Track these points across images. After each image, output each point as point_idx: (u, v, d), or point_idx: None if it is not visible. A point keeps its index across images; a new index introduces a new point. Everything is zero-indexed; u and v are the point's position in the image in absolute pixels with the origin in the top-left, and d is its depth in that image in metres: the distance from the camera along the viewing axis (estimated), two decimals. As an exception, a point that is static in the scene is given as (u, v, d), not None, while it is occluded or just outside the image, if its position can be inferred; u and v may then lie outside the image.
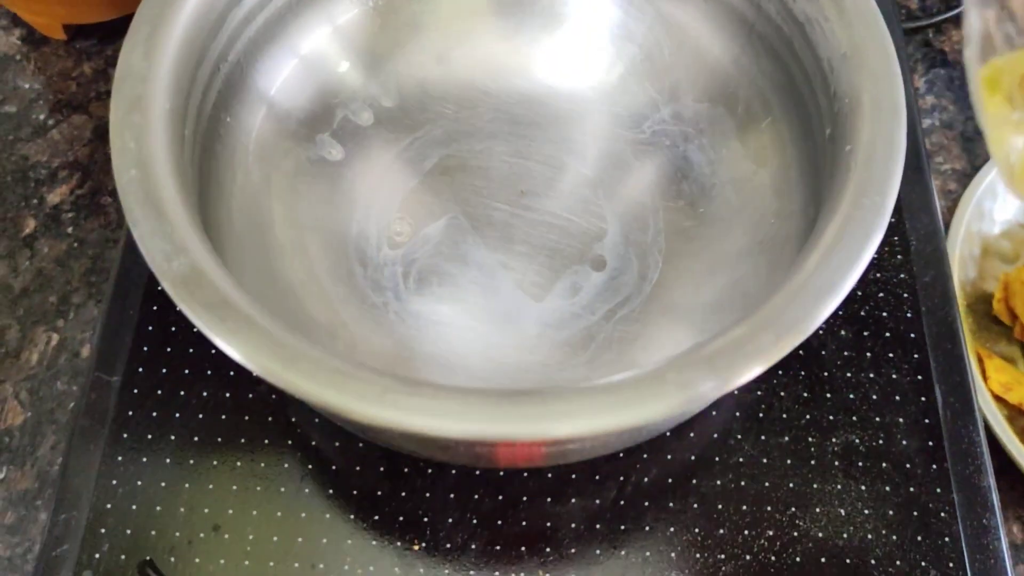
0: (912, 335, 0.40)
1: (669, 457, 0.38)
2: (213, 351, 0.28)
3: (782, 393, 0.39)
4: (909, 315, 0.41)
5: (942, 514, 0.36)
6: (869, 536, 0.36)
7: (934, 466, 0.37)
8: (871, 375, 0.39)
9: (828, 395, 0.39)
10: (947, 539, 0.36)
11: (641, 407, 0.26)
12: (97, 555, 0.36)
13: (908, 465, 0.37)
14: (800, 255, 0.30)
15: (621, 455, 0.38)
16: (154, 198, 0.30)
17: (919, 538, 0.36)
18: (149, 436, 0.38)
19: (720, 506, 0.37)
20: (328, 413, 0.35)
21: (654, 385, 0.27)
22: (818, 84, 0.36)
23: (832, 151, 0.34)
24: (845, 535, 0.36)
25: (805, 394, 0.39)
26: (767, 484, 0.37)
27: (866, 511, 0.37)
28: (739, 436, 0.38)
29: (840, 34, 0.34)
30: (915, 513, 0.37)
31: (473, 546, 0.36)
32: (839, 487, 0.37)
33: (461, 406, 0.26)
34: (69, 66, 0.56)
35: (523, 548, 0.36)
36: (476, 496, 0.37)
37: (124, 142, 0.31)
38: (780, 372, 0.39)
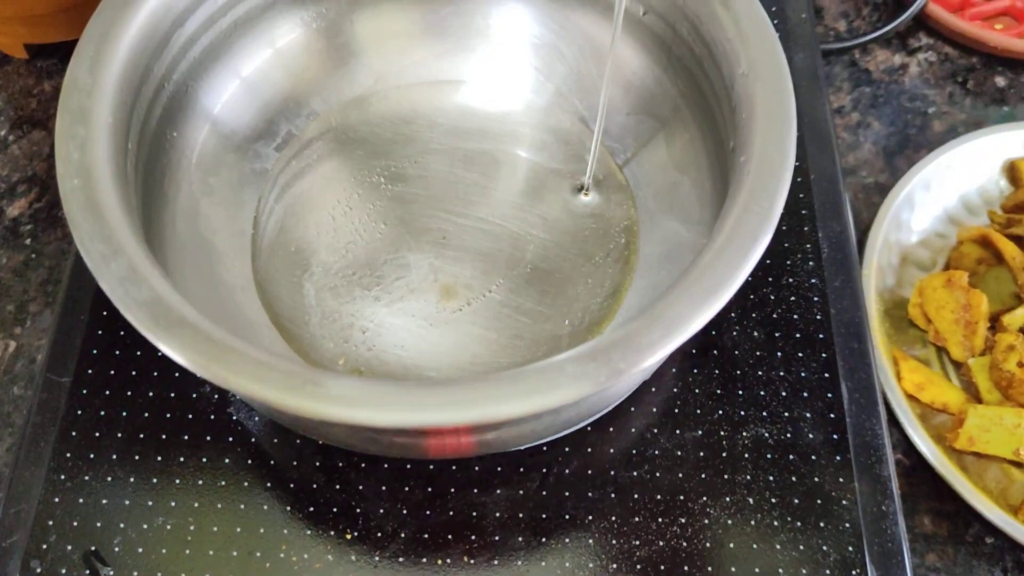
0: (821, 336, 0.43)
1: (589, 450, 0.40)
2: (159, 354, 0.30)
3: (696, 390, 0.41)
4: (819, 317, 0.43)
5: (843, 502, 0.39)
6: (775, 523, 0.38)
7: (838, 457, 0.40)
8: (781, 373, 0.42)
9: (740, 392, 0.41)
10: (847, 524, 0.38)
11: (541, 396, 0.29)
12: (44, 545, 0.38)
13: (814, 456, 0.40)
14: (696, 257, 0.32)
15: (544, 448, 0.40)
16: (94, 204, 0.32)
17: (821, 524, 0.38)
18: (97, 434, 0.40)
19: (636, 496, 0.39)
20: (257, 405, 0.37)
21: (554, 375, 0.29)
22: (724, 100, 0.38)
23: (734, 162, 0.36)
24: (753, 522, 0.38)
25: (718, 391, 0.41)
26: (681, 475, 0.39)
27: (773, 500, 0.39)
28: (655, 430, 0.40)
29: (740, 53, 0.37)
30: (819, 501, 0.39)
31: (403, 535, 0.38)
32: (748, 477, 0.39)
33: (375, 396, 0.29)
34: (30, 84, 0.58)
35: (450, 536, 0.38)
36: (406, 488, 0.39)
37: (68, 152, 0.33)
38: (695, 371, 0.42)
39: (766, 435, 0.40)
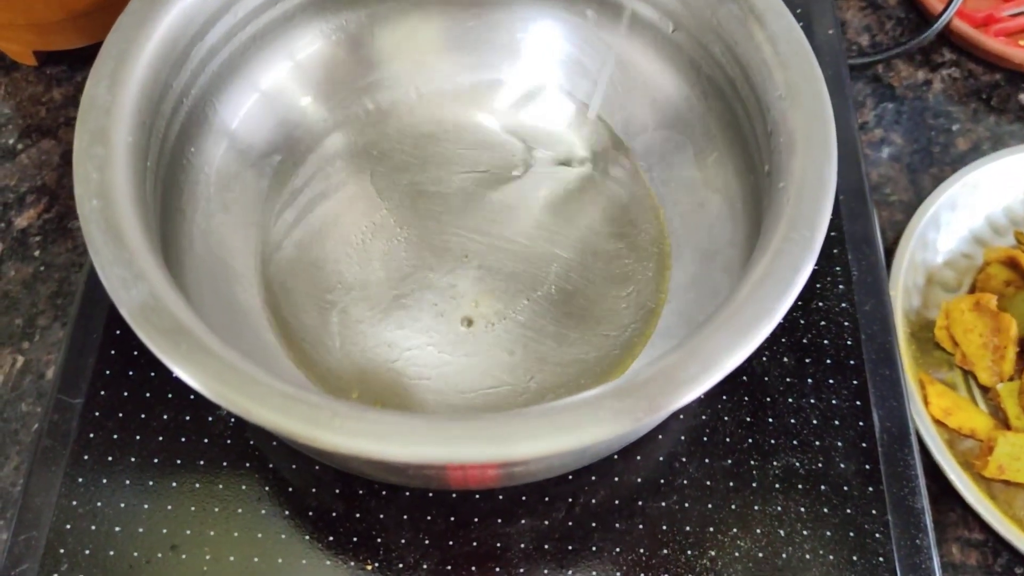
0: (852, 362, 0.42)
1: (616, 479, 0.39)
2: (173, 375, 0.29)
3: (726, 417, 0.40)
4: (849, 343, 0.42)
5: (877, 535, 0.38)
6: (807, 556, 0.38)
7: (870, 488, 0.39)
8: (812, 400, 0.41)
9: (770, 420, 0.40)
10: (881, 559, 0.37)
11: (575, 433, 0.28)
12: (56, 575, 0.36)
13: (845, 487, 0.39)
14: (734, 287, 0.31)
15: (570, 477, 0.39)
16: (114, 227, 0.31)
17: (855, 558, 0.37)
18: (109, 458, 0.39)
19: (664, 527, 0.38)
20: (281, 437, 0.36)
21: (590, 412, 0.28)
22: (758, 123, 0.37)
23: (769, 186, 0.35)
24: (784, 555, 0.38)
25: (748, 419, 0.40)
26: (710, 506, 0.39)
27: (804, 532, 0.38)
28: (684, 459, 0.39)
29: (777, 76, 0.36)
30: (851, 534, 0.38)
31: (425, 566, 0.37)
32: (779, 508, 0.38)
33: (406, 431, 0.28)
34: (39, 92, 0.57)
35: (473, 568, 0.37)
36: (428, 517, 0.38)
37: (87, 173, 0.32)
38: (724, 397, 0.41)
39: (797, 464, 0.39)
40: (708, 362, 0.29)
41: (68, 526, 0.37)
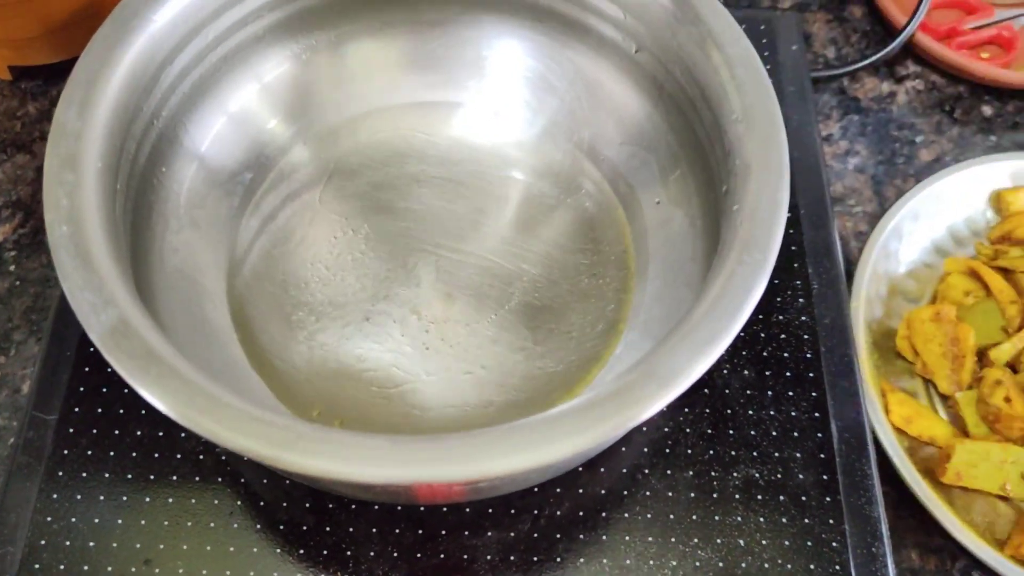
0: (811, 374, 0.43)
1: (581, 491, 0.40)
2: (145, 395, 0.30)
3: (688, 429, 0.41)
4: (809, 355, 0.43)
5: (834, 543, 0.39)
6: (766, 565, 0.39)
7: (828, 498, 0.40)
8: (771, 412, 0.42)
9: (731, 431, 0.41)
10: (838, 567, 0.38)
11: (534, 452, 0.29)
12: (31, 590, 0.37)
13: (804, 497, 0.40)
14: (691, 307, 0.32)
15: (536, 489, 0.40)
16: (84, 253, 0.32)
17: (812, 567, 0.39)
18: (84, 474, 0.40)
19: (628, 538, 0.39)
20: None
21: (547, 431, 0.29)
22: (717, 143, 0.38)
23: (726, 206, 0.36)
24: (744, 564, 0.39)
25: (709, 430, 0.41)
26: (672, 516, 0.40)
27: (764, 541, 0.39)
28: (646, 471, 0.40)
29: (733, 100, 0.37)
30: (809, 543, 0.39)
31: (393, 577, 0.38)
32: (739, 519, 0.40)
33: (368, 452, 0.28)
34: (14, 106, 0.57)
35: (441, 579, 0.38)
36: (397, 530, 0.39)
37: (57, 199, 0.33)
38: (686, 410, 0.42)
39: (757, 475, 0.40)
40: (663, 381, 0.30)
41: (43, 542, 0.38)
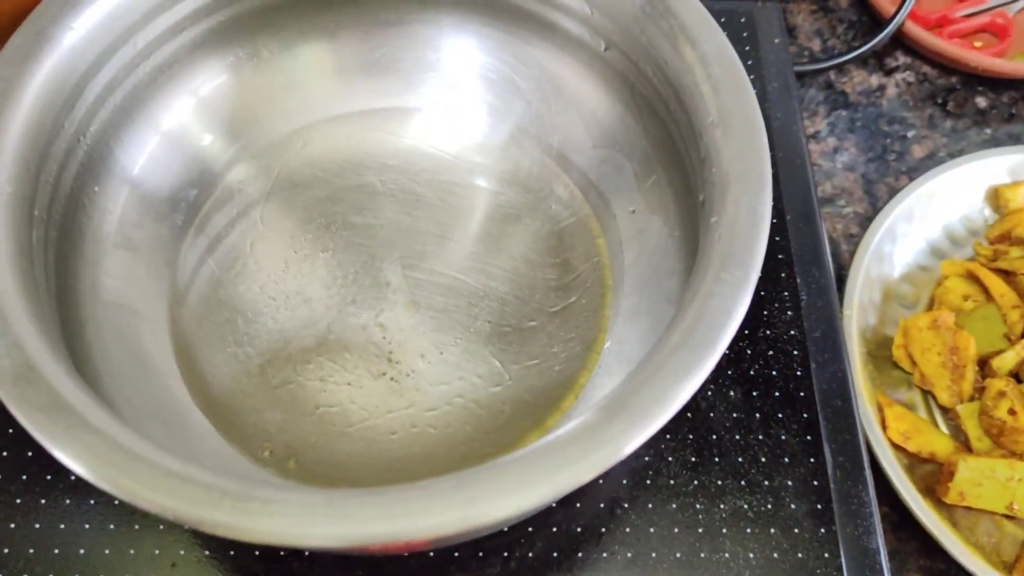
0: (802, 393, 0.40)
1: (555, 529, 0.37)
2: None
3: (670, 458, 0.38)
4: (799, 373, 0.40)
5: (830, 580, 0.36)
6: (756, 606, 0.36)
7: (822, 530, 0.37)
8: (760, 436, 0.39)
9: (716, 459, 0.38)
10: (834, 606, 0.35)
11: (490, 504, 0.25)
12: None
13: (796, 530, 0.37)
14: (663, 333, 0.29)
15: (505, 529, 0.37)
16: (-13, 291, 0.28)
17: (806, 606, 0.36)
18: (12, 525, 0.36)
19: (606, 579, 0.36)
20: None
21: (503, 480, 0.26)
22: (692, 147, 0.35)
23: (704, 217, 0.33)
24: (732, 606, 0.36)
25: (693, 458, 0.38)
26: (654, 555, 0.36)
27: (754, 580, 0.36)
28: (626, 505, 0.37)
29: (709, 101, 0.33)
30: (803, 580, 0.36)
31: (351, 631, 0.35)
32: (727, 555, 0.36)
33: (299, 511, 0.25)
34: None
35: (403, 631, 0.35)
36: (355, 578, 0.36)
37: (-42, 232, 0.30)
38: (668, 436, 0.39)
39: (745, 507, 0.37)
40: (632, 421, 0.27)
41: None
